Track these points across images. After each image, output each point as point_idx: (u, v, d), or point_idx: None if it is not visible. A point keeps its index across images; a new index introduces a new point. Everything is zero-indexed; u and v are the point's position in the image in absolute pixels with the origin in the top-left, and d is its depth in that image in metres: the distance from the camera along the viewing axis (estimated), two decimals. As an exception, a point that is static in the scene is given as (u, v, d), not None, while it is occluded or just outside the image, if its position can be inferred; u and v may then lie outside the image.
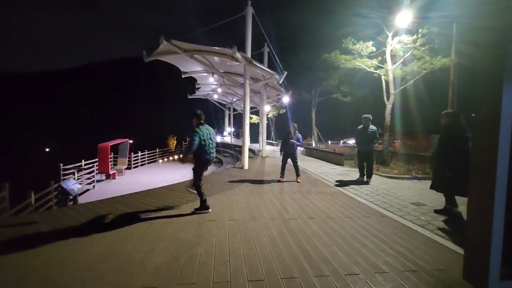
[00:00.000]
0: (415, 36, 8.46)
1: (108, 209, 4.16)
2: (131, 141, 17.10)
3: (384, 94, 9.68)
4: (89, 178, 12.56)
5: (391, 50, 9.09)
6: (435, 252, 2.77)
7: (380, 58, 9.82)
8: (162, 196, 5.02)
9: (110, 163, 14.35)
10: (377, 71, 9.79)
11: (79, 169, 12.58)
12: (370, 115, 6.50)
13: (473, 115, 2.05)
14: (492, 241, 1.88)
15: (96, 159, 13.55)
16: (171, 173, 15.98)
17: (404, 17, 7.54)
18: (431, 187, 4.23)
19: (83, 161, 13.05)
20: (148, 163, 20.61)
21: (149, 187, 6.03)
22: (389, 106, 9.40)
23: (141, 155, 19.20)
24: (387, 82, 9.50)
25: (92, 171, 12.55)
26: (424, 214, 4.11)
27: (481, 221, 1.96)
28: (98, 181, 13.21)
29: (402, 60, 9.24)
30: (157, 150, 22.91)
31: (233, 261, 2.53)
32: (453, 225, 3.63)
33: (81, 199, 9.96)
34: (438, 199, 4.63)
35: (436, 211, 4.19)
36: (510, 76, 1.77)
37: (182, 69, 12.89)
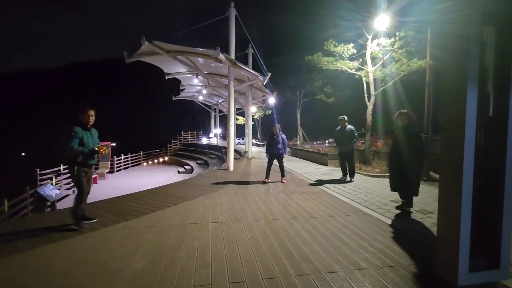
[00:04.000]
0: (393, 39, 8.77)
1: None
2: (113, 144, 16.62)
3: (365, 95, 9.96)
4: (68, 183, 12.10)
5: (371, 53, 9.37)
6: (412, 247, 2.88)
7: (361, 60, 10.09)
8: (144, 200, 4.90)
9: (91, 167, 13.87)
10: (358, 73, 10.05)
11: (58, 173, 12.10)
12: (345, 116, 6.70)
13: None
14: (461, 235, 1.98)
15: (76, 163, 13.04)
16: (156, 176, 15.68)
17: (382, 21, 7.79)
18: (393, 190, 4.16)
19: (61, 165, 12.54)
20: (131, 166, 20.13)
21: (132, 191, 5.87)
22: (370, 107, 9.69)
23: (124, 158, 18.71)
24: (367, 84, 9.78)
25: (72, 176, 12.08)
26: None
27: (450, 217, 2.06)
28: (78, 186, 12.72)
29: (381, 62, 9.55)
30: (141, 152, 22.42)
31: (215, 263, 2.52)
32: (429, 222, 3.79)
33: (60, 205, 9.59)
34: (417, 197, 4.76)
35: (397, 207, 4.27)
36: (473, 79, 1.89)
37: (166, 70, 12.69)
